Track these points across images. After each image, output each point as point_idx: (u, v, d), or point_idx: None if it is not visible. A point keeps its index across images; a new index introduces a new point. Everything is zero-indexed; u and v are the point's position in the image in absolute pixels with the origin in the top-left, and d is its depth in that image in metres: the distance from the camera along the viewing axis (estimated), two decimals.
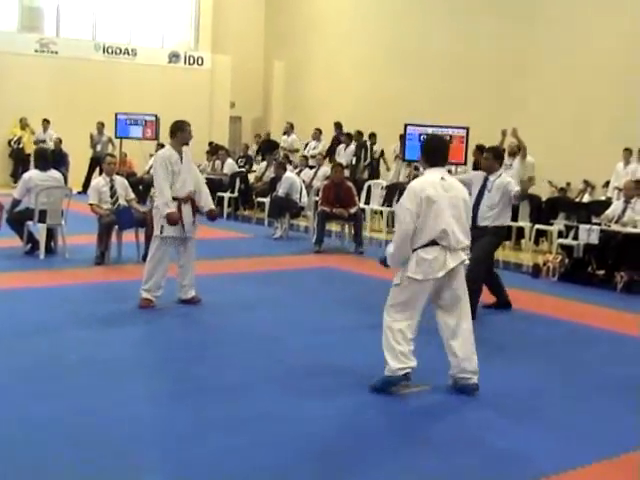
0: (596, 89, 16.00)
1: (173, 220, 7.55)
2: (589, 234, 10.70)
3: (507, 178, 8.26)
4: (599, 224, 10.87)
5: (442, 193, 5.38)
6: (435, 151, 5.67)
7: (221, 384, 5.65)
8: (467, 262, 5.64)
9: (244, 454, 4.41)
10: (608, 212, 11.24)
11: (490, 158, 8.18)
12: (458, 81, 18.56)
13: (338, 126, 19.38)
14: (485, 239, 7.87)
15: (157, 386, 5.61)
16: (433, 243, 5.37)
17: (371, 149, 17.71)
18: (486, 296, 8.41)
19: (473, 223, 8.04)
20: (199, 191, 7.94)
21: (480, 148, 15.00)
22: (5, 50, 20.67)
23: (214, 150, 19.00)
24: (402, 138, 14.75)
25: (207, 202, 8.01)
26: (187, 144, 7.83)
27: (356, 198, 12.93)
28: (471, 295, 6.22)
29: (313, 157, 17.63)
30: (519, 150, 12.86)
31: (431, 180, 5.45)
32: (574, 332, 7.79)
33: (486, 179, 8.12)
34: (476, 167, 15.56)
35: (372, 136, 17.81)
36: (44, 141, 18.80)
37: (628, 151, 14.50)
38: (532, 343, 7.36)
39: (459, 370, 5.59)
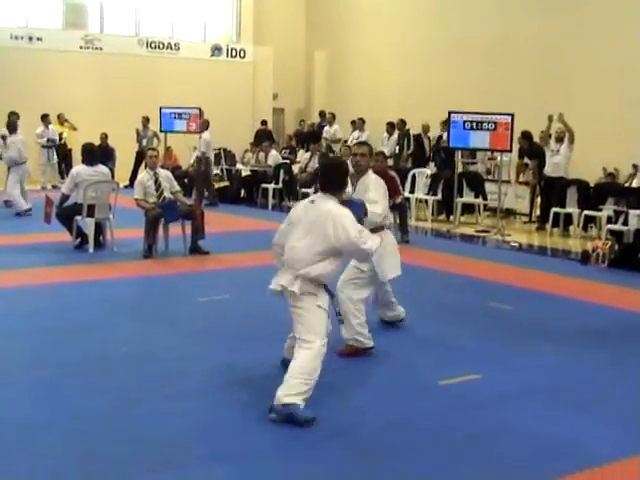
0: None
1: None
2: (639, 219, 10.55)
3: None
4: None
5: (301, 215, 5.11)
6: (323, 176, 5.29)
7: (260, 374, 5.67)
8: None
9: None
10: None
11: None
12: (503, 68, 18.32)
13: (321, 114, 20.74)
14: None
15: (205, 380, 5.58)
16: None
17: (414, 138, 17.60)
18: None
19: None
20: None
21: (526, 135, 14.82)
22: (50, 47, 21.00)
23: (259, 141, 19.07)
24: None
25: None
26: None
27: (400, 187, 12.85)
28: None
29: None
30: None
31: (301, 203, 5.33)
32: (624, 319, 7.66)
33: None
34: (522, 154, 15.39)
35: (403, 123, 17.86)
36: (54, 139, 19.02)
37: None
38: (582, 331, 7.24)
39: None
